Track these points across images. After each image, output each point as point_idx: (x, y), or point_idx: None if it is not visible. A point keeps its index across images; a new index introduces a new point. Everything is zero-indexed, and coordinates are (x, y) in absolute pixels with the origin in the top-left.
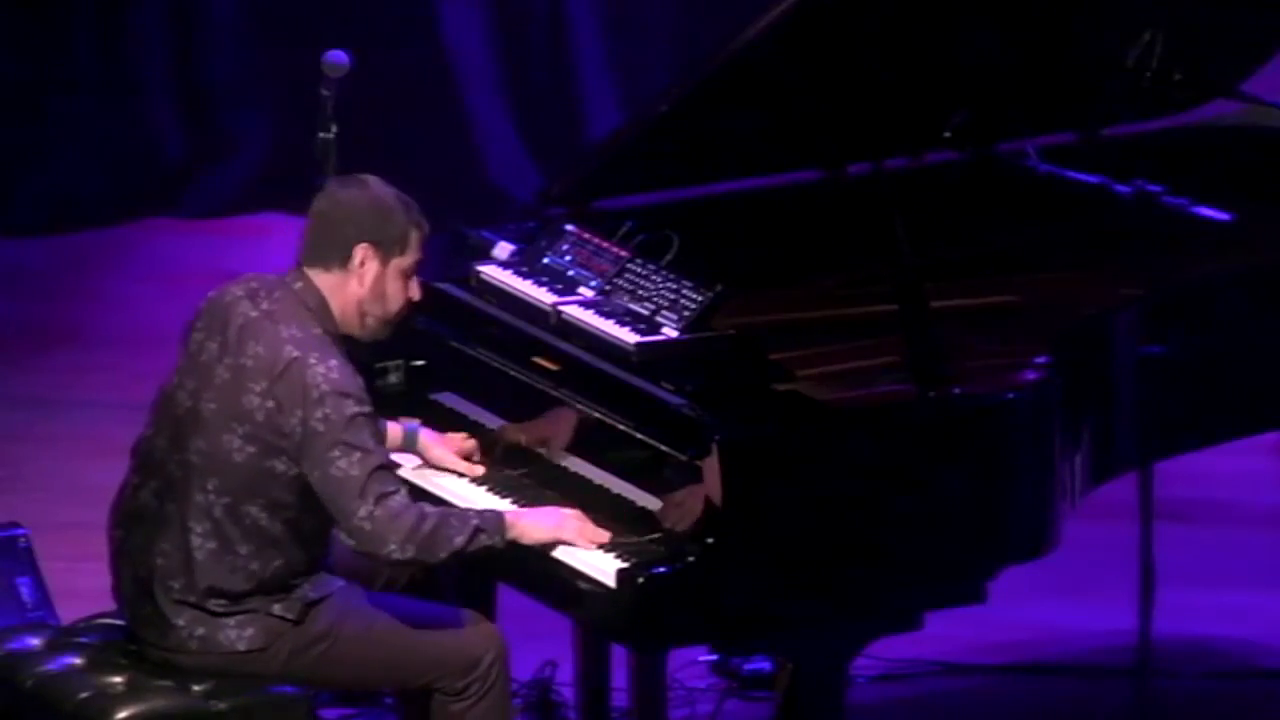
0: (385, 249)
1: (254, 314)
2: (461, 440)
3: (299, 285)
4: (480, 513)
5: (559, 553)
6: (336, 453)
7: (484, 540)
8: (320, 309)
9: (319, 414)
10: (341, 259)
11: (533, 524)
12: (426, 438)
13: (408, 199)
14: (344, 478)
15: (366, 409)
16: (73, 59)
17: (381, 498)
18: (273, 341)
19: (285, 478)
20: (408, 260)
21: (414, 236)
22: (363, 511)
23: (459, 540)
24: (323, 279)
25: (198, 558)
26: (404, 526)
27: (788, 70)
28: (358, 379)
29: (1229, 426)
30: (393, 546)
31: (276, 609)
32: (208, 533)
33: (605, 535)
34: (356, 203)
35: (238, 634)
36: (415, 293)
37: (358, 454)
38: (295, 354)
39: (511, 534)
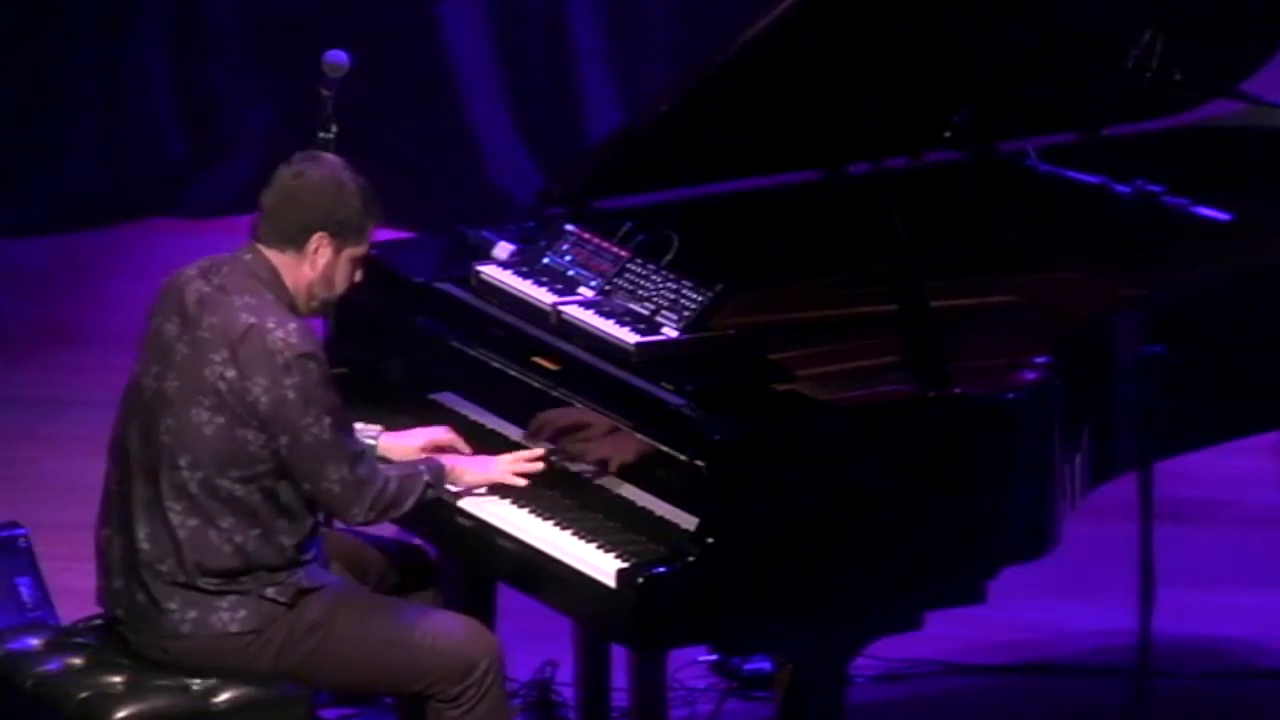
0: (341, 238)
1: (207, 289)
2: (441, 433)
3: (249, 258)
4: (428, 467)
5: (559, 552)
6: (309, 419)
7: (432, 494)
8: (272, 280)
9: (288, 381)
10: (298, 243)
11: (466, 469)
12: (387, 441)
13: (369, 188)
14: (315, 443)
15: (327, 368)
16: (73, 59)
17: (352, 463)
18: (227, 311)
19: (256, 446)
20: (360, 250)
21: (369, 227)
22: (334, 476)
23: (411, 500)
24: (276, 257)
25: (181, 536)
26: (370, 493)
27: (788, 70)
28: (317, 339)
29: (1229, 427)
30: (356, 510)
31: (269, 592)
32: (187, 510)
33: (539, 454)
34: (321, 189)
35: (230, 615)
36: (358, 277)
37: (328, 419)
38: (252, 320)
39: (450, 479)
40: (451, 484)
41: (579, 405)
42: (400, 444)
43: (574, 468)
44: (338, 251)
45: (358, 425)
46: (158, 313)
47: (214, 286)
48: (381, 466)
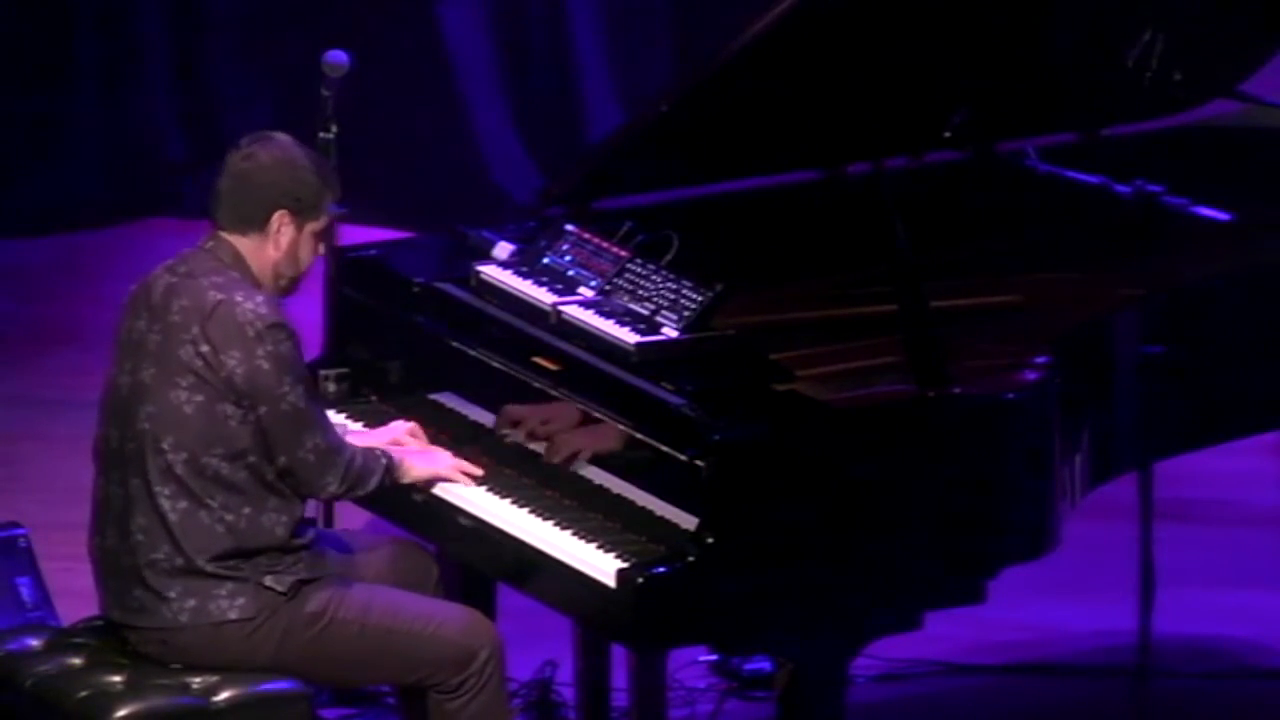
0: (301, 215)
1: (173, 280)
2: (405, 427)
3: (211, 245)
4: (385, 452)
5: (559, 552)
6: (285, 387)
7: (387, 480)
8: (236, 262)
9: (261, 351)
10: (259, 224)
11: (412, 464)
12: (353, 439)
13: (323, 161)
14: (292, 411)
15: (298, 338)
16: (73, 59)
17: (325, 431)
18: (195, 292)
19: (235, 421)
20: (320, 224)
21: (327, 200)
22: (309, 444)
23: (374, 480)
24: (240, 242)
25: (172, 519)
26: (341, 462)
27: (788, 70)
28: (283, 309)
29: (1229, 426)
30: (329, 479)
31: (268, 580)
32: (176, 493)
33: (479, 471)
34: (274, 168)
35: (229, 603)
36: (321, 251)
37: (301, 388)
38: (220, 296)
39: (397, 472)
40: (399, 477)
41: (579, 405)
42: (367, 442)
43: (573, 466)
44: (299, 228)
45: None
46: (127, 315)
47: (180, 276)
48: (345, 438)
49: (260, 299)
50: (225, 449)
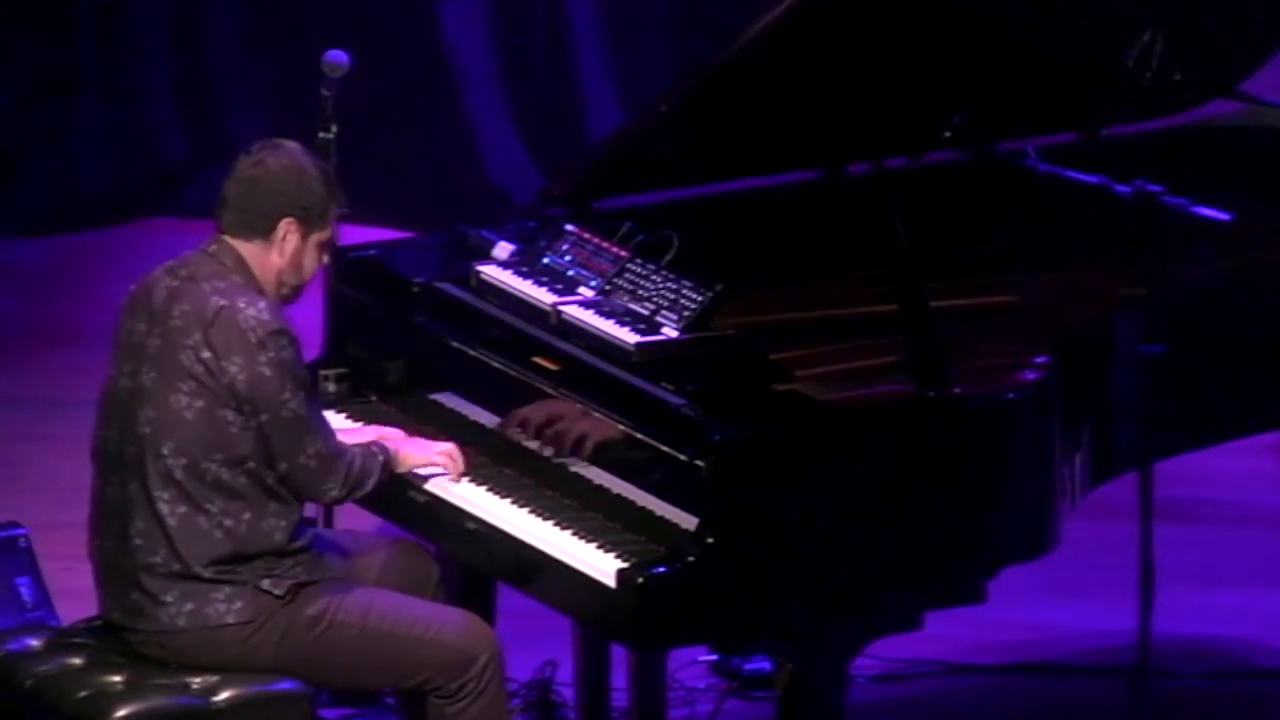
0: (307, 223)
1: (175, 283)
2: (392, 433)
3: (214, 248)
4: (381, 447)
5: (559, 552)
6: (287, 394)
7: (384, 475)
8: (238, 266)
9: (264, 358)
10: (264, 231)
11: (407, 453)
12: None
13: (329, 171)
14: (294, 418)
15: (299, 344)
16: (73, 59)
17: (326, 437)
18: (197, 297)
19: (236, 428)
20: (326, 234)
21: (333, 211)
22: (310, 450)
23: (372, 480)
24: (243, 246)
25: (171, 524)
26: (341, 467)
27: (788, 70)
28: (284, 314)
29: (1229, 426)
30: (330, 485)
31: (265, 583)
32: (175, 498)
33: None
34: (284, 176)
35: (227, 606)
36: (325, 260)
37: (302, 394)
38: (222, 303)
39: (393, 464)
40: (395, 468)
41: (579, 405)
42: (357, 437)
43: (573, 466)
44: (305, 237)
45: None
46: (128, 317)
47: (181, 279)
48: (343, 441)
49: (263, 305)
50: (225, 454)
